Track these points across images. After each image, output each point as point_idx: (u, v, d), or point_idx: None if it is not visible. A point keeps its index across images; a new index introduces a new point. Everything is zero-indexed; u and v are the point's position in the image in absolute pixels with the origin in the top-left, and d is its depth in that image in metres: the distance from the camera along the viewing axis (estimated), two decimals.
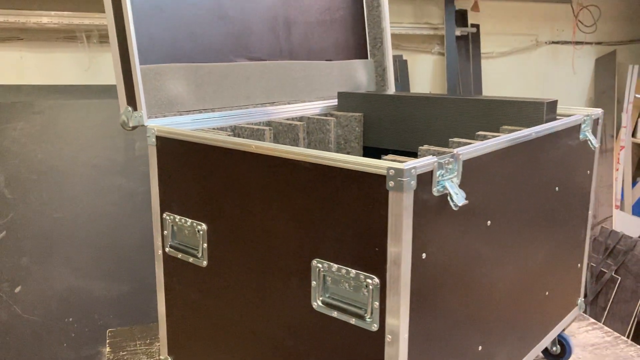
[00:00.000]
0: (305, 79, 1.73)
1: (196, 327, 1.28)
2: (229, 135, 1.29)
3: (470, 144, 1.19)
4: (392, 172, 0.88)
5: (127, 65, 1.28)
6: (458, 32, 3.31)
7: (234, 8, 1.55)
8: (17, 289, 2.53)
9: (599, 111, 1.55)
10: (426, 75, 3.42)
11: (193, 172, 1.20)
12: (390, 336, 0.93)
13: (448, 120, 1.49)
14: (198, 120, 1.38)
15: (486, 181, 1.09)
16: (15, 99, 2.60)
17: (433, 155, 1.10)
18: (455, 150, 0.99)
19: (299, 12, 1.74)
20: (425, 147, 1.26)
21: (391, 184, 0.88)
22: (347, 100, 1.70)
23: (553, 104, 1.37)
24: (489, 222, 1.12)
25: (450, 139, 1.27)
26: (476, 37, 3.45)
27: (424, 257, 0.95)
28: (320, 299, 1.01)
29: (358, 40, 1.97)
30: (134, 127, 1.31)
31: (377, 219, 0.91)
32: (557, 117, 1.55)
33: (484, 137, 1.29)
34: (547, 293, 1.45)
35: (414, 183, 0.89)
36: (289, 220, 1.04)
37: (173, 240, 1.28)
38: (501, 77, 3.62)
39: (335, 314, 0.99)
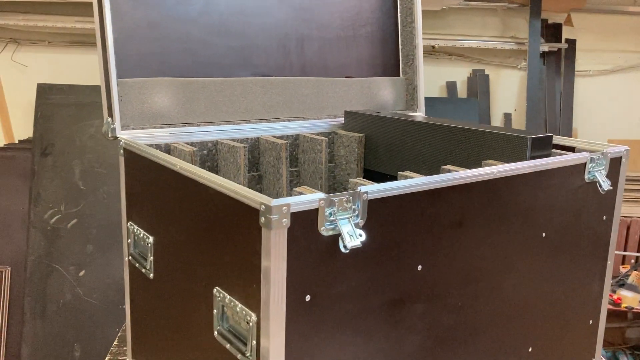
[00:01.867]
0: (316, 96, 1.70)
1: (153, 333, 1.32)
2: (197, 150, 1.31)
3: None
4: (263, 207, 0.84)
5: (108, 77, 1.34)
6: (546, 48, 3.05)
7: (237, 24, 1.57)
8: (82, 273, 2.76)
9: (621, 149, 1.36)
10: (510, 91, 3.21)
11: (144, 185, 1.23)
12: None
13: (442, 147, 1.39)
14: (178, 133, 1.41)
15: (413, 222, 1.00)
16: (97, 99, 2.83)
17: None
18: (359, 189, 0.92)
19: (315, 28, 1.72)
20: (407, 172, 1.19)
21: (262, 220, 0.84)
22: (352, 119, 1.65)
23: (543, 140, 1.23)
24: (419, 267, 1.03)
25: (441, 167, 1.19)
26: (570, 53, 3.16)
27: (307, 300, 0.89)
28: (218, 328, 0.99)
29: (388, 57, 1.90)
30: (114, 137, 1.37)
31: (254, 254, 0.87)
32: (563, 152, 1.39)
33: (447, 171, 1.19)
34: (530, 349, 1.30)
35: (286, 221, 0.84)
36: (199, 244, 1.03)
37: (134, 249, 1.32)
38: (599, 98, 3.29)
39: (228, 346, 0.97)
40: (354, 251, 0.93)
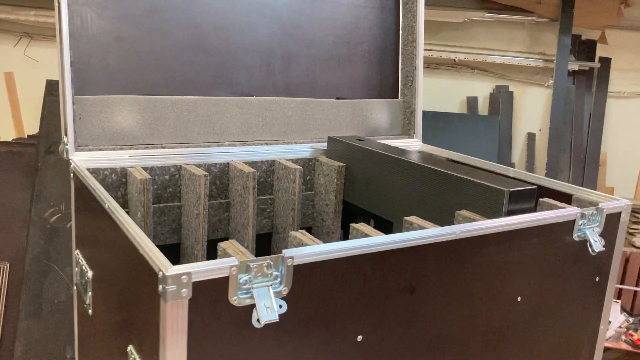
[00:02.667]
0: (301, 118, 1.59)
1: None
2: (150, 179, 1.22)
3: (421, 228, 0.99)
4: (160, 274, 0.74)
5: (64, 94, 1.27)
6: (576, 66, 2.86)
7: (217, 39, 1.47)
8: (73, 263, 2.73)
9: (620, 203, 1.21)
10: (536, 110, 3.02)
11: (86, 214, 1.15)
12: None
13: (419, 189, 1.26)
14: (138, 156, 1.33)
15: (352, 289, 0.88)
16: None
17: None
18: (284, 252, 0.81)
19: (304, 45, 1.61)
20: (360, 224, 1.08)
21: (160, 288, 0.74)
22: (335, 146, 1.54)
23: (524, 194, 1.09)
24: (359, 338, 0.92)
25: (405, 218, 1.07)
26: (603, 72, 2.95)
27: None
28: None
29: (386, 78, 1.77)
30: (67, 159, 1.30)
31: (156, 324, 0.78)
32: (555, 202, 1.24)
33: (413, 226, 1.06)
34: None
35: (186, 292, 0.74)
36: (120, 293, 0.95)
37: (79, 279, 1.25)
38: (633, 122, 3.07)
39: None
40: (279, 324, 0.82)
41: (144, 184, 1.21)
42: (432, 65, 3.01)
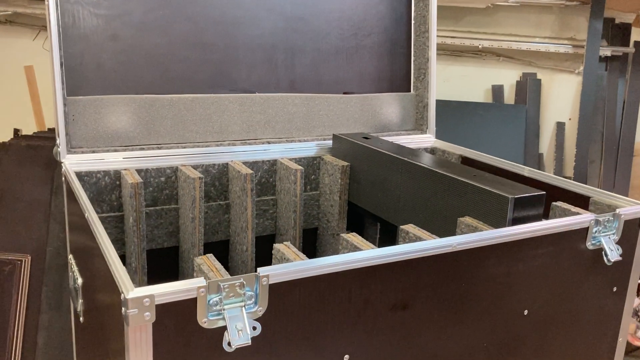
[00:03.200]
0: (305, 115, 1.53)
1: None
2: (141, 183, 1.18)
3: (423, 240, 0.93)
4: (122, 297, 0.70)
5: (55, 95, 1.23)
6: (609, 52, 2.71)
7: (216, 34, 1.42)
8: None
9: (637, 209, 1.12)
10: (566, 98, 2.88)
11: (76, 220, 1.12)
12: None
13: (424, 192, 1.19)
14: (133, 158, 1.29)
15: (337, 307, 0.83)
16: None
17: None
18: (258, 270, 0.76)
19: (308, 39, 1.54)
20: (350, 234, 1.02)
21: (122, 311, 0.70)
22: (340, 144, 1.47)
23: (530, 200, 1.01)
24: (346, 358, 0.86)
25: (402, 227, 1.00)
26: (639, 57, 2.79)
27: None
28: None
29: (397, 70, 1.70)
30: (60, 161, 1.27)
31: (123, 345, 0.74)
32: (568, 206, 1.16)
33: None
34: None
35: (149, 315, 0.69)
36: (99, 308, 0.91)
37: (73, 284, 1.22)
38: None
39: None
40: (254, 346, 0.78)
41: (135, 188, 1.18)
42: (456, 52, 2.90)
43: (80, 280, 1.11)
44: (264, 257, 1.45)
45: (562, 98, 2.91)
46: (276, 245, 0.90)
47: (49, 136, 2.96)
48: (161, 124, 1.35)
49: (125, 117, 1.31)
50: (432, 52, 1.65)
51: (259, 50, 1.48)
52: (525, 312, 1.03)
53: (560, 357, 1.11)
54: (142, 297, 0.68)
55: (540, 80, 2.87)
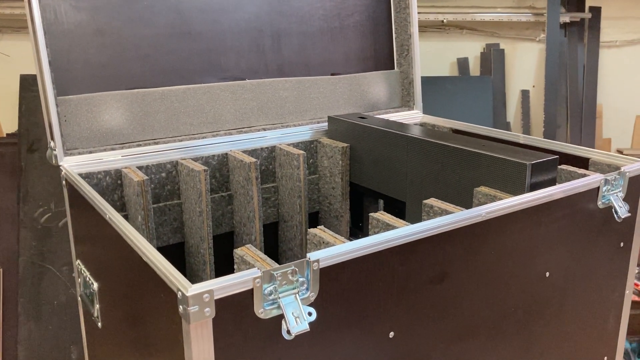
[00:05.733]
0: (297, 99, 1.52)
1: None
2: (147, 180, 1.15)
3: (444, 213, 0.93)
4: (180, 294, 0.68)
5: (46, 96, 1.18)
6: (567, 18, 2.78)
7: (201, 23, 1.38)
8: (75, 273, 2.66)
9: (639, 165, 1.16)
10: (528, 66, 2.95)
11: (85, 223, 1.08)
12: None
13: (432, 167, 1.20)
14: (131, 155, 1.25)
15: (380, 286, 0.83)
16: None
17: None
18: (308, 256, 0.75)
19: (294, 21, 1.52)
20: (378, 214, 1.02)
21: (180, 309, 0.68)
22: (336, 126, 1.47)
23: (546, 165, 1.03)
24: (391, 334, 0.86)
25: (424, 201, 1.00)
26: (594, 22, 2.88)
27: None
28: None
29: (381, 49, 1.70)
30: (57, 165, 1.21)
31: (177, 344, 0.72)
32: (573, 168, 1.19)
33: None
34: None
35: (209, 311, 0.68)
36: (129, 310, 0.88)
37: (83, 290, 1.18)
38: (626, 70, 3.02)
39: None
40: (312, 330, 0.77)
41: (141, 186, 1.14)
42: (420, 28, 2.92)
43: (95, 285, 1.07)
44: (271, 246, 1.44)
45: (525, 66, 2.98)
46: (311, 230, 0.89)
47: (8, 142, 2.83)
48: (155, 118, 1.31)
49: (118, 113, 1.26)
50: (414, 28, 1.66)
51: (246, 35, 1.45)
52: (547, 274, 1.06)
53: (577, 313, 1.15)
54: (202, 292, 0.67)
55: (503, 50, 2.93)
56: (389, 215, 0.95)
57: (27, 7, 1.15)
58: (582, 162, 1.27)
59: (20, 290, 2.67)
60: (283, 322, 0.73)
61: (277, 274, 0.72)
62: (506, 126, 2.95)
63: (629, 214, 1.11)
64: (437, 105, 2.81)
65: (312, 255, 0.75)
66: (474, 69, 2.98)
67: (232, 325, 0.70)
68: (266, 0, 1.47)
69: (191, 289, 0.66)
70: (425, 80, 2.86)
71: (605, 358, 1.25)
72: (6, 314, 2.72)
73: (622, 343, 1.28)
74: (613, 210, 1.11)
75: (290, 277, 0.74)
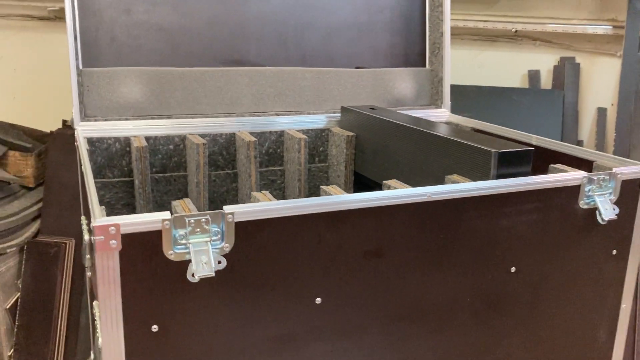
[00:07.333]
0: (316, 88, 1.56)
1: None
2: (147, 147, 1.24)
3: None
4: (91, 225, 0.74)
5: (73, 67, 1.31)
6: None
7: (226, 11, 1.47)
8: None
9: (635, 169, 1.08)
10: (607, 83, 2.78)
11: (81, 180, 1.19)
12: None
13: (419, 155, 1.20)
14: (144, 126, 1.35)
15: (306, 250, 0.85)
16: None
17: None
18: (224, 208, 0.79)
19: (319, 15, 1.57)
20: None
21: (92, 239, 0.75)
22: (347, 116, 1.49)
23: (516, 156, 1.00)
24: (318, 300, 0.88)
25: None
26: None
27: (154, 330, 0.79)
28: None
29: (412, 46, 1.70)
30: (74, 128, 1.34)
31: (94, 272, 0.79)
32: (566, 168, 1.14)
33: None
34: None
35: (115, 243, 0.74)
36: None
37: (84, 241, 1.29)
38: None
39: None
40: (221, 280, 0.81)
41: (140, 152, 1.24)
42: (490, 37, 2.85)
43: (87, 237, 1.17)
44: None
45: (603, 82, 2.81)
46: (254, 193, 0.92)
47: None
48: (171, 95, 1.41)
49: (136, 88, 1.37)
50: (446, 26, 1.65)
51: (269, 26, 1.52)
52: (513, 269, 1.02)
53: (557, 319, 1.09)
54: (107, 225, 0.73)
55: (579, 64, 2.79)
56: (339, 189, 0.97)
57: None
58: (587, 165, 1.21)
59: None
60: (190, 264, 0.78)
61: (189, 220, 0.77)
62: (577, 144, 2.80)
63: (615, 217, 1.04)
64: (502, 117, 2.73)
65: (227, 208, 0.79)
66: (546, 82, 2.86)
67: (140, 262, 0.76)
68: None
69: (97, 220, 0.73)
70: (491, 90, 2.78)
71: None
72: (74, 282, 2.96)
73: (619, 354, 1.19)
74: (597, 211, 1.05)
75: (205, 226, 0.78)
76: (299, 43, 1.56)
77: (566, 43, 2.79)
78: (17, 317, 2.73)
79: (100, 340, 0.79)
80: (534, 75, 2.84)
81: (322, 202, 0.84)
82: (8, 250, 2.73)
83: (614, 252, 1.11)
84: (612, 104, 2.82)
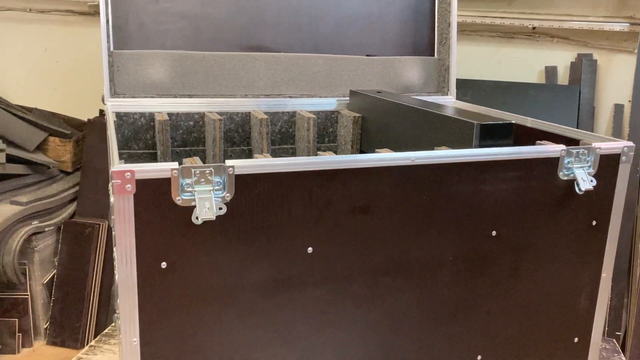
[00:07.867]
0: (328, 74, 1.67)
1: None
2: (167, 121, 1.37)
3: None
4: (110, 172, 0.87)
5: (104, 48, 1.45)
6: None
7: (246, 2, 1.59)
8: None
9: (619, 144, 1.16)
10: (625, 79, 2.82)
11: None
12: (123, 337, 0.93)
13: (415, 131, 1.30)
14: (167, 104, 1.49)
15: (299, 203, 0.96)
16: None
17: None
18: (226, 161, 0.91)
19: (332, 5, 1.68)
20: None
21: (111, 184, 0.88)
22: (355, 99, 1.60)
23: (498, 128, 1.09)
24: (310, 249, 0.99)
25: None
26: None
27: (163, 267, 0.91)
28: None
29: (421, 36, 1.80)
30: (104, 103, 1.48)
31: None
32: (549, 144, 1.22)
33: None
34: (479, 358, 1.18)
35: (130, 187, 0.86)
36: None
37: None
38: None
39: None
40: (222, 224, 0.93)
41: (162, 125, 1.37)
42: (508, 34, 2.92)
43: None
44: None
45: (620, 79, 2.85)
46: (256, 155, 1.04)
47: None
48: (193, 77, 1.54)
49: (162, 69, 1.51)
50: (453, 17, 1.74)
51: (285, 15, 1.64)
52: (494, 232, 1.11)
53: (538, 284, 1.18)
54: (124, 170, 0.85)
55: (596, 60, 2.83)
56: (332, 153, 1.08)
57: None
58: (576, 143, 1.29)
59: None
60: (195, 209, 0.90)
61: (195, 171, 0.89)
62: None
63: (592, 188, 1.12)
64: (518, 111, 2.79)
65: (229, 162, 0.91)
66: (563, 78, 2.91)
67: (152, 205, 0.88)
68: None
69: (115, 166, 0.85)
70: (508, 86, 2.85)
71: (576, 339, 1.25)
72: (106, 261, 3.12)
73: (599, 328, 1.27)
74: (575, 182, 1.13)
75: (209, 177, 0.90)
76: (313, 32, 1.67)
77: (583, 40, 2.84)
78: (52, 292, 2.91)
79: (117, 276, 0.92)
80: (551, 72, 2.89)
81: (313, 161, 0.95)
82: (46, 229, 2.92)
83: (594, 222, 1.19)
84: (629, 101, 2.85)
